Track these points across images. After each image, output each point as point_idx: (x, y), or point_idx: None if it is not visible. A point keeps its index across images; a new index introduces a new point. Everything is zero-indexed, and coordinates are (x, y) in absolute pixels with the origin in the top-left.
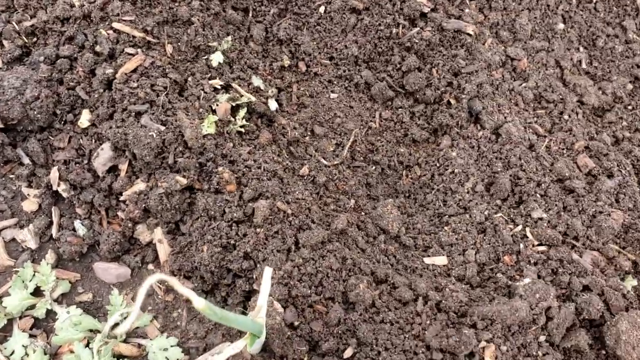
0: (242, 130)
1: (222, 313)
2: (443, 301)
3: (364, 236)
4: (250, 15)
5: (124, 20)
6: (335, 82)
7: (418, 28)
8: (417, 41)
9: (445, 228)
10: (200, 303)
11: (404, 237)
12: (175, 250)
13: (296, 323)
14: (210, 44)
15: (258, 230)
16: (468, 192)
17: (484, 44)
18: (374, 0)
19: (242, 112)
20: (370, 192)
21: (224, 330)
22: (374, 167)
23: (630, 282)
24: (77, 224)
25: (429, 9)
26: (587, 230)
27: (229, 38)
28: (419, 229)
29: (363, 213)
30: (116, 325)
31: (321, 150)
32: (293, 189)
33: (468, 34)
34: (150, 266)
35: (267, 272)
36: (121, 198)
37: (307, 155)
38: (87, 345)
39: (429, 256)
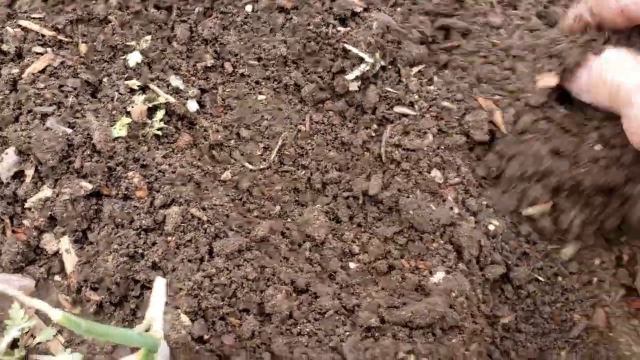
0: (160, 133)
1: (89, 326)
2: (361, 312)
3: (288, 244)
4: (174, 14)
5: (33, 18)
6: (263, 84)
7: (349, 27)
8: (346, 41)
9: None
10: (56, 315)
11: (330, 244)
12: (82, 261)
13: (206, 337)
14: (128, 43)
15: (169, 238)
16: None
17: None
18: None
19: (160, 114)
20: (299, 198)
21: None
22: (303, 172)
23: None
24: None
25: (362, 9)
26: None
27: (149, 37)
28: (347, 235)
29: (289, 220)
30: (15, 341)
31: (247, 154)
32: (211, 194)
33: None
34: (57, 277)
35: (159, 282)
36: (26, 205)
37: (231, 160)
38: None
39: (354, 262)
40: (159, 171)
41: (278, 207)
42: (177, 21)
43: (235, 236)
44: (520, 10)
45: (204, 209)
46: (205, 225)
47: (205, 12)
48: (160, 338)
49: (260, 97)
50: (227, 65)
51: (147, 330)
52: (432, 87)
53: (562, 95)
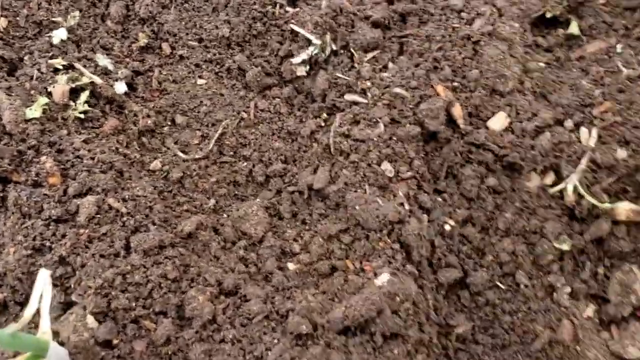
0: (83, 116)
1: None
2: (292, 317)
3: (221, 241)
4: None
5: None
6: (203, 67)
7: (299, 8)
8: (294, 22)
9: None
10: None
11: (268, 242)
12: None
13: (115, 341)
14: (54, 19)
15: (81, 230)
16: None
17: None
18: None
19: (84, 96)
20: (238, 192)
21: None
22: (244, 164)
23: None
24: None
25: None
26: None
27: (77, 13)
28: (289, 233)
29: (224, 215)
30: None
31: (182, 142)
32: (134, 184)
33: None
34: None
35: (42, 275)
36: None
37: (163, 148)
38: None
39: (293, 263)
40: (77, 157)
41: (212, 201)
42: None
43: (157, 231)
44: None
45: (124, 199)
46: (124, 218)
47: None
48: (48, 340)
49: (200, 81)
50: (165, 46)
51: (30, 332)
52: (385, 74)
53: None
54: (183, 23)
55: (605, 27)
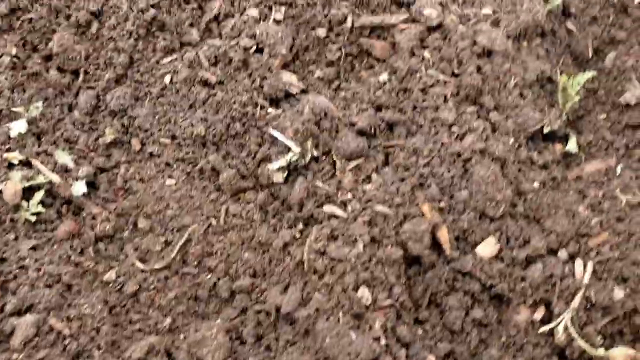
0: (34, 218)
1: None
2: None
3: None
4: (81, 79)
5: None
6: (174, 166)
7: (281, 110)
8: (275, 126)
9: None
10: None
11: None
12: None
13: None
14: (15, 109)
15: (14, 356)
16: None
17: None
18: (229, 73)
19: (39, 196)
20: (198, 309)
21: None
22: (208, 276)
23: None
24: None
25: (298, 90)
26: None
27: (40, 104)
28: None
29: (182, 336)
30: None
31: (142, 250)
32: (82, 301)
33: None
34: None
35: None
36: None
37: (121, 256)
38: None
39: None
40: (20, 267)
41: (169, 320)
42: (82, 87)
43: (101, 357)
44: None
45: (68, 319)
46: (66, 341)
47: (117, 79)
48: None
49: (169, 181)
50: (135, 141)
51: None
52: (368, 187)
53: None
54: (156, 118)
55: (605, 145)
